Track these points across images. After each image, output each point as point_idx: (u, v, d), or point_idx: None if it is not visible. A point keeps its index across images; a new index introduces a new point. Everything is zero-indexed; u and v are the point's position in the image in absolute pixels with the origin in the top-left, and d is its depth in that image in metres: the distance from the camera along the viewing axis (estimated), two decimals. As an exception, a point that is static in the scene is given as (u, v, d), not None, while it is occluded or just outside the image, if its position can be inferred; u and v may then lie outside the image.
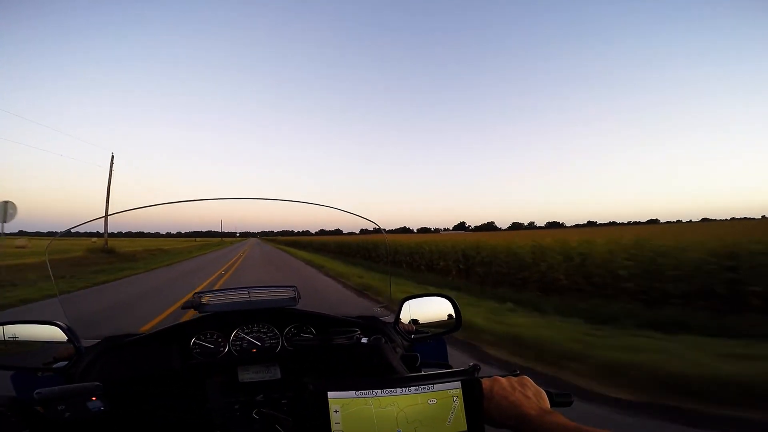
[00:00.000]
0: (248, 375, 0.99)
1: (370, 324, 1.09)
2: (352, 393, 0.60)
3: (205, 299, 1.09)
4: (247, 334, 1.06)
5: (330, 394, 0.60)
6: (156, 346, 0.99)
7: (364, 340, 0.92)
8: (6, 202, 10.35)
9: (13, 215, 10.42)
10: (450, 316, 1.15)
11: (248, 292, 1.14)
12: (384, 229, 1.42)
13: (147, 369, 0.93)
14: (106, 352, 0.96)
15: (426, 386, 0.62)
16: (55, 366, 0.93)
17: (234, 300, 1.11)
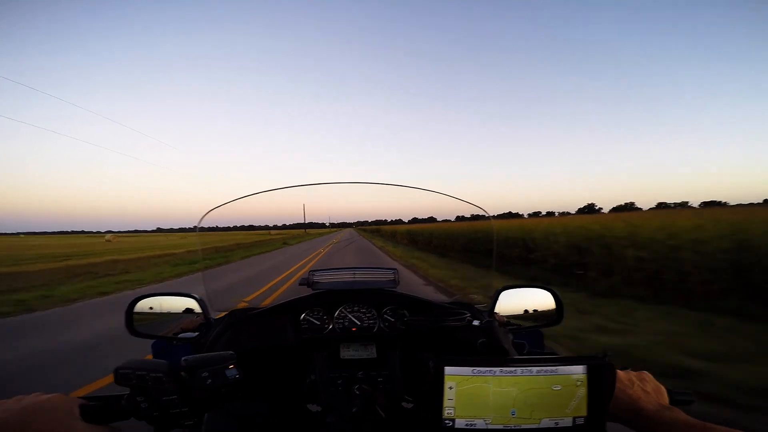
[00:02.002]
0: (349, 352, 1.06)
1: (465, 310, 1.10)
2: (469, 370, 0.62)
3: (317, 277, 1.20)
4: (349, 312, 1.14)
5: (447, 369, 0.62)
6: (273, 320, 1.11)
7: (475, 322, 0.96)
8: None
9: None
10: (548, 309, 1.14)
11: (353, 273, 1.23)
12: (489, 215, 1.35)
13: (266, 341, 1.06)
14: (233, 325, 1.07)
15: (550, 368, 0.62)
16: (182, 335, 1.08)
17: (341, 279, 1.21)
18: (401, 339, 1.08)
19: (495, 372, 0.62)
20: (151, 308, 1.09)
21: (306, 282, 1.19)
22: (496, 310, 1.11)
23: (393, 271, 1.23)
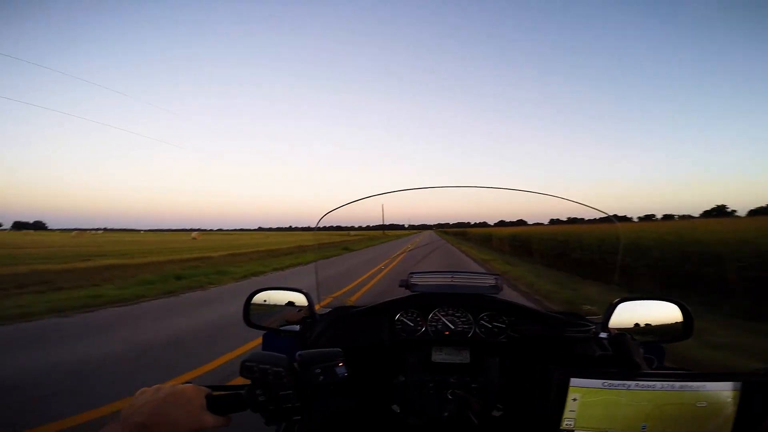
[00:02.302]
0: (441, 356, 1.06)
1: (570, 323, 1.04)
2: (599, 383, 0.61)
3: (415, 279, 1.22)
4: (443, 316, 1.13)
5: (573, 381, 0.61)
6: (372, 319, 1.13)
7: (603, 334, 0.92)
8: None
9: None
10: (671, 323, 1.03)
11: (452, 276, 1.22)
12: (611, 216, 1.23)
13: (364, 339, 1.09)
14: (336, 321, 1.11)
15: (695, 384, 0.59)
16: (285, 328, 1.13)
17: (440, 283, 1.21)
18: (504, 347, 1.05)
19: (629, 386, 0.60)
20: (264, 301, 1.17)
21: (405, 284, 1.19)
22: (611, 323, 1.02)
23: (496, 277, 1.19)
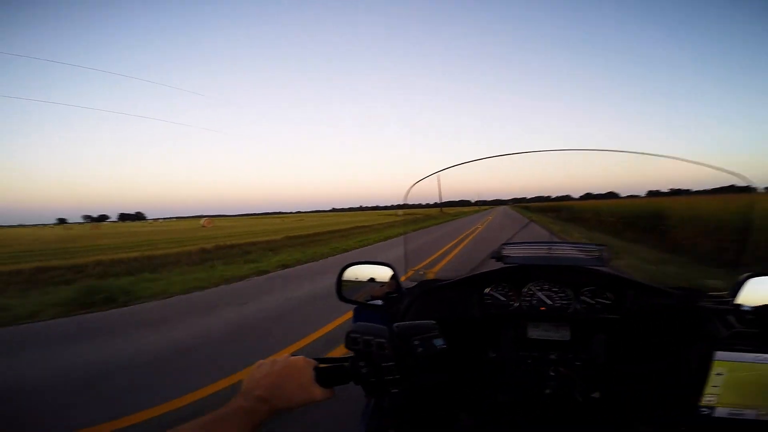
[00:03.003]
0: (537, 332, 1.02)
1: (692, 298, 0.95)
2: (750, 356, 0.58)
3: (508, 250, 1.16)
4: (538, 290, 1.08)
5: (718, 355, 0.59)
6: (460, 293, 1.11)
7: (746, 307, 0.82)
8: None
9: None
10: None
11: (549, 248, 1.16)
12: (753, 184, 1.06)
13: (453, 313, 1.07)
14: (422, 295, 1.10)
15: None
16: (371, 302, 1.13)
17: (535, 254, 1.15)
18: (611, 323, 0.98)
19: None
20: (355, 277, 1.18)
21: (496, 255, 1.15)
22: (740, 300, 0.91)
23: (601, 247, 1.10)
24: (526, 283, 1.08)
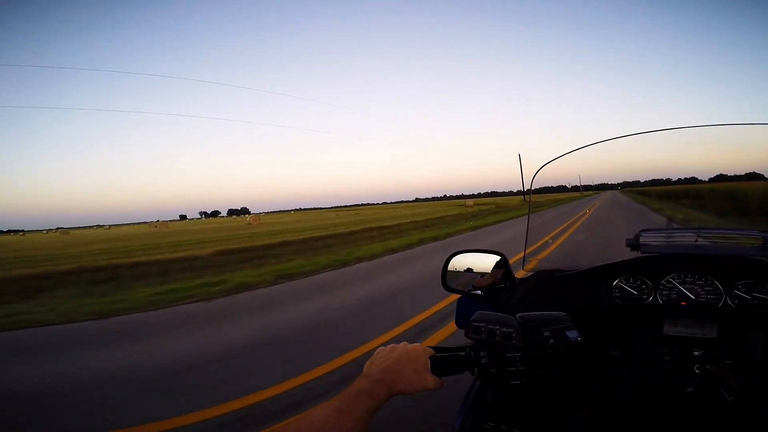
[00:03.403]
0: (676, 328, 0.94)
1: None
2: None
3: (646, 238, 1.07)
4: (679, 283, 0.97)
5: None
6: (583, 285, 1.04)
7: None
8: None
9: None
10: None
11: (697, 234, 1.05)
12: None
13: (575, 306, 0.97)
14: (539, 286, 1.04)
15: None
16: (475, 292, 1.07)
17: (681, 242, 1.05)
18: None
19: None
20: (459, 266, 1.13)
21: (632, 243, 1.06)
22: None
23: (765, 233, 0.96)
24: (665, 274, 0.98)
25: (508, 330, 0.63)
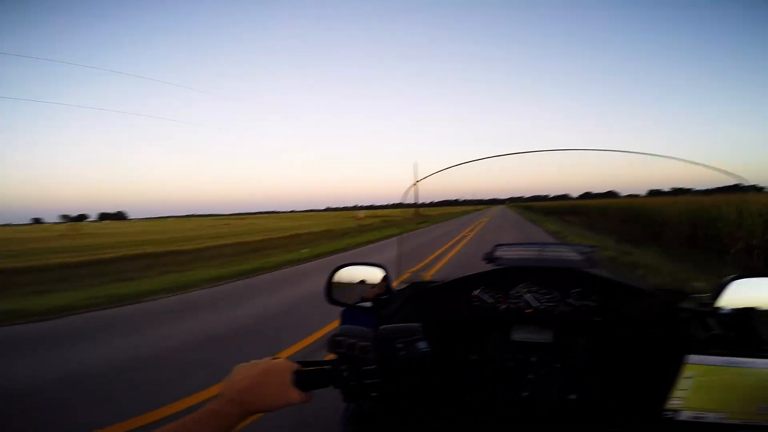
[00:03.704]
0: (521, 334, 1.03)
1: (675, 300, 0.95)
2: (720, 360, 0.58)
3: (500, 252, 1.16)
4: (525, 292, 1.08)
5: (691, 358, 0.59)
6: (450, 295, 1.12)
7: (725, 310, 0.83)
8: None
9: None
10: None
11: (540, 249, 1.17)
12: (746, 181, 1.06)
13: (443, 315, 1.07)
14: (413, 297, 1.10)
15: None
16: (361, 304, 1.10)
17: (526, 256, 1.15)
18: (595, 326, 0.99)
19: (755, 365, 0.57)
20: (344, 278, 1.15)
21: (489, 257, 1.15)
22: (723, 303, 0.91)
23: (591, 249, 1.11)
24: (515, 285, 1.08)
25: (365, 343, 0.66)
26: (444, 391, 0.95)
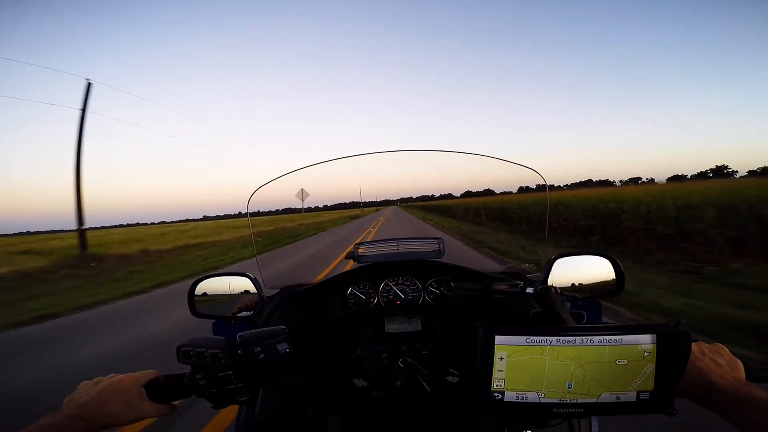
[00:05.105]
0: (393, 326, 1.09)
1: (512, 281, 1.05)
2: (522, 339, 0.60)
3: (361, 250, 1.22)
4: (393, 285, 1.17)
5: (498, 339, 0.60)
6: (322, 296, 1.15)
7: (529, 290, 0.91)
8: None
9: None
10: (607, 279, 1.10)
11: (397, 245, 1.24)
12: (543, 178, 1.27)
13: (316, 316, 1.10)
14: (284, 301, 1.12)
15: (613, 338, 0.59)
16: (240, 315, 1.13)
17: (386, 252, 1.22)
18: (447, 310, 1.08)
19: (551, 342, 0.59)
20: (211, 290, 1.15)
21: (352, 256, 1.21)
22: (551, 281, 1.08)
23: (438, 240, 1.23)
24: (383, 279, 1.17)
25: (215, 351, 0.68)
26: (336, 387, 0.99)
